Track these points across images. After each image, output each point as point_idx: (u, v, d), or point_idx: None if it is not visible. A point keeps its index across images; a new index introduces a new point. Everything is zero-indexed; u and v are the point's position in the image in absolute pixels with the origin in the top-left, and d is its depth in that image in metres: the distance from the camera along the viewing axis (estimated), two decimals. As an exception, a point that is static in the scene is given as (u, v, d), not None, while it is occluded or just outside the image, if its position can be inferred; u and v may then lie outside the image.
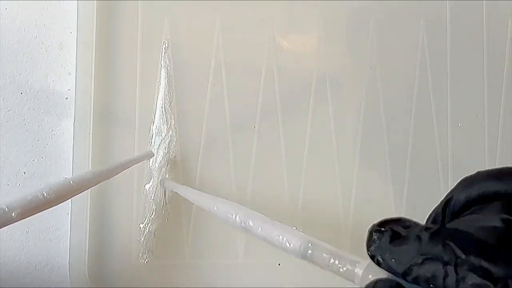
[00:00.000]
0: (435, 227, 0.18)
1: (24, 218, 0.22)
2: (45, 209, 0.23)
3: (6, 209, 0.21)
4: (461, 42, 0.33)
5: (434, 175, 0.33)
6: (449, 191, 0.21)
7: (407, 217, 0.33)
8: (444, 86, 0.33)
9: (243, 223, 0.24)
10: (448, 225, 0.20)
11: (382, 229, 0.19)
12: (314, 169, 0.32)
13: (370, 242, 0.19)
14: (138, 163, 0.31)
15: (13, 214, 0.21)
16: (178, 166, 0.32)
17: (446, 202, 0.21)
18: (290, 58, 0.33)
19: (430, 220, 0.21)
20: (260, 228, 0.23)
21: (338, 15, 0.33)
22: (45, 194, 0.23)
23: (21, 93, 0.33)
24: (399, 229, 0.19)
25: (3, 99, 0.33)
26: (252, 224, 0.24)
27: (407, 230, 0.19)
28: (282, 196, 0.32)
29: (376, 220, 0.34)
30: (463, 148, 0.33)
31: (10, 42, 0.33)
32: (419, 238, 0.18)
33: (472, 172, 0.31)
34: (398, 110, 0.33)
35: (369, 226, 0.19)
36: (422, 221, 0.34)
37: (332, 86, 0.33)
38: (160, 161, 0.32)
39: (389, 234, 0.19)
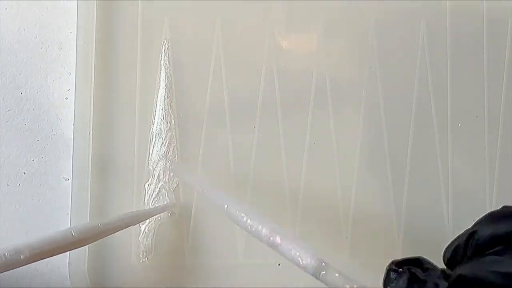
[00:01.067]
0: (454, 274, 0.18)
1: (45, 258, 0.22)
2: (69, 250, 0.23)
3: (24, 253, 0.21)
4: (461, 42, 0.33)
5: (434, 175, 0.33)
6: (474, 223, 0.20)
7: (407, 216, 0.33)
8: (444, 86, 0.33)
9: (252, 227, 0.23)
10: (470, 265, 0.19)
11: (400, 269, 0.19)
12: (314, 169, 0.32)
13: (387, 281, 0.19)
14: (162, 212, 0.31)
15: (30, 254, 0.21)
16: (178, 166, 0.32)
17: (470, 235, 0.20)
18: (290, 58, 0.33)
19: (451, 249, 0.20)
20: (279, 240, 0.23)
21: (338, 15, 0.33)
22: (73, 234, 0.23)
23: (21, 93, 0.33)
24: (418, 271, 0.18)
25: (3, 99, 0.33)
26: (266, 232, 0.23)
27: (425, 274, 0.18)
28: (282, 196, 0.32)
29: (376, 220, 0.34)
30: (463, 148, 0.33)
31: (10, 42, 0.33)
32: (437, 285, 0.17)
33: (473, 171, 0.31)
34: (398, 110, 0.33)
35: (387, 264, 0.19)
36: (421, 222, 0.34)
37: (332, 86, 0.33)
38: (160, 161, 0.32)
39: (407, 276, 0.18)
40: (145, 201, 0.32)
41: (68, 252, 0.32)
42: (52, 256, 0.22)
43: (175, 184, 0.32)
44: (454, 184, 0.33)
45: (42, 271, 0.32)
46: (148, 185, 0.32)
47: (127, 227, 0.28)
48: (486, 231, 0.20)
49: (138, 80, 0.32)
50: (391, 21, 0.33)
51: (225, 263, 0.32)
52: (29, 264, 0.32)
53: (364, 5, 0.33)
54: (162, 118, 0.32)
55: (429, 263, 0.19)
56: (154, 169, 0.32)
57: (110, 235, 0.32)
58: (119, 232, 0.32)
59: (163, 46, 0.32)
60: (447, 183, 0.33)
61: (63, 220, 0.32)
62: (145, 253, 0.32)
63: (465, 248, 0.20)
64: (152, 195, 0.32)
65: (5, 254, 0.20)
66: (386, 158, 0.33)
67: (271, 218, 0.32)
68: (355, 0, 0.33)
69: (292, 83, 0.33)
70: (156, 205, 0.31)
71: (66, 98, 0.33)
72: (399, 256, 0.33)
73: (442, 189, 0.33)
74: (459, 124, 0.33)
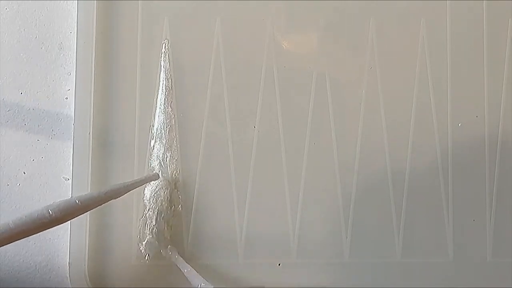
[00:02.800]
0: None
1: (27, 236, 0.22)
2: (48, 228, 0.23)
3: (12, 225, 0.21)
4: (461, 42, 0.33)
5: (434, 175, 0.33)
6: None
7: (407, 216, 0.34)
8: (444, 86, 0.33)
9: None
10: None
11: None
12: (314, 169, 0.32)
13: None
14: (144, 184, 0.31)
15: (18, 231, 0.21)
16: (178, 166, 0.32)
17: None
18: (290, 58, 0.33)
19: None
20: None
21: (338, 15, 0.33)
22: (51, 213, 0.23)
23: (21, 93, 0.33)
24: None
25: (3, 99, 0.33)
26: None
27: None
28: (282, 196, 0.32)
29: (376, 220, 0.34)
30: (463, 148, 0.33)
31: (10, 42, 0.33)
32: None
33: (473, 171, 0.31)
34: (398, 110, 0.33)
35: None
36: (421, 222, 0.34)
37: (332, 86, 0.33)
38: (160, 161, 0.32)
39: None
40: (146, 202, 0.32)
41: (68, 252, 0.32)
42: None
43: (175, 186, 0.32)
44: (454, 184, 0.33)
45: (42, 271, 0.32)
46: (148, 185, 0.32)
47: (109, 201, 0.27)
48: None
49: (138, 80, 0.32)
50: (391, 21, 0.33)
51: (225, 263, 0.32)
52: (29, 264, 0.32)
53: (364, 5, 0.33)
54: (162, 118, 0.32)
55: None
56: (154, 169, 0.32)
57: (110, 235, 0.32)
58: (119, 232, 0.32)
59: (163, 46, 0.32)
60: (447, 183, 0.33)
61: (63, 220, 0.32)
62: (145, 253, 0.32)
63: None
64: (152, 195, 0.32)
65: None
66: (386, 158, 0.33)
67: (271, 218, 0.32)
68: (355, 0, 0.33)
69: (292, 83, 0.33)
70: (139, 178, 0.31)
71: (66, 98, 0.33)
72: (399, 256, 0.33)
73: (442, 189, 0.33)
74: (459, 124, 0.33)
